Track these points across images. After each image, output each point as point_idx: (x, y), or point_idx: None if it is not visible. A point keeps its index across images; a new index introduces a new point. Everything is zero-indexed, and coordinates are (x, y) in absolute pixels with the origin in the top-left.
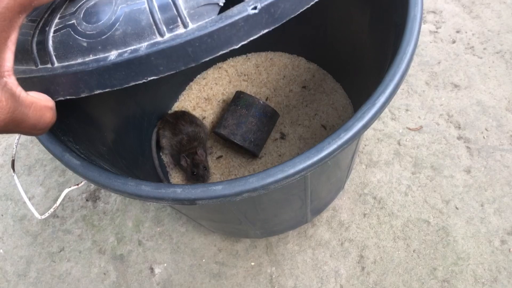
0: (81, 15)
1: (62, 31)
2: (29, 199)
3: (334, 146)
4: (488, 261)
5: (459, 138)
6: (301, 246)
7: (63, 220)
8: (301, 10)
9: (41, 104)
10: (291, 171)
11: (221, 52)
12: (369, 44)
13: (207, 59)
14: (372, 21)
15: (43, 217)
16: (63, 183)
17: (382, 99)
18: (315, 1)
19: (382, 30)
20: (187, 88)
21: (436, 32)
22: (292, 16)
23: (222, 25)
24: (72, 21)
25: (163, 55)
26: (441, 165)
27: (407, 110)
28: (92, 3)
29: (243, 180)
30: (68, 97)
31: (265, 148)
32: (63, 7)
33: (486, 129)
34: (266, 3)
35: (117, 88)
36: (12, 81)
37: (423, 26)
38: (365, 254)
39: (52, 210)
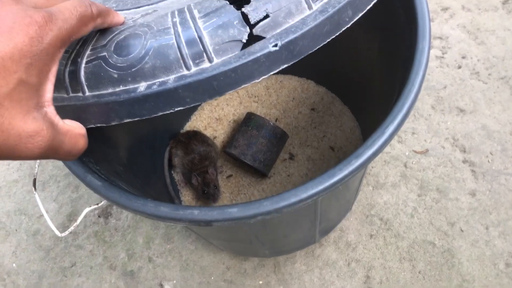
0: (112, 48)
1: (93, 63)
2: (42, 215)
3: (345, 172)
4: (493, 283)
5: (464, 161)
6: (308, 266)
7: (75, 236)
8: (318, 47)
9: (75, 132)
10: (304, 195)
11: (243, 86)
12: (378, 72)
13: (230, 91)
14: (380, 51)
15: (63, 235)
16: (76, 199)
17: (391, 128)
18: (331, 38)
19: (390, 59)
20: (199, 108)
21: (442, 57)
22: (310, 52)
23: (245, 61)
24: (104, 54)
25: (190, 88)
26: (447, 188)
27: (413, 133)
28: (122, 36)
29: (257, 204)
30: (98, 125)
31: (274, 168)
32: (94, 39)
33: (491, 153)
34: (286, 40)
35: (146, 117)
36: (51, 111)
37: None
38: (371, 274)
39: (72, 228)
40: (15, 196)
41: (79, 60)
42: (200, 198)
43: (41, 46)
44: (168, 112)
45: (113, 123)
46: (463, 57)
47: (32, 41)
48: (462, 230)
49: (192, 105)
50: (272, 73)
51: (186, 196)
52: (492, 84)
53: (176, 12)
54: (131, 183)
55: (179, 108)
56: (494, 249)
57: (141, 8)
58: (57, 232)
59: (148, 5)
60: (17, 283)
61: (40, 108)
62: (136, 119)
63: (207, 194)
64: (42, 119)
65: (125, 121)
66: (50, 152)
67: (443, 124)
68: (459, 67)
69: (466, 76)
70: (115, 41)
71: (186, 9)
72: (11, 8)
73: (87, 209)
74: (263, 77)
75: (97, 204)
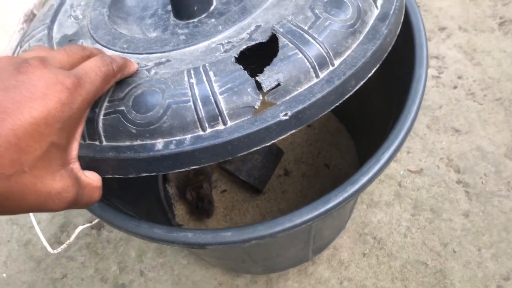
0: (130, 103)
1: (112, 116)
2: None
3: (340, 198)
4: None
5: (458, 182)
6: (301, 284)
7: (67, 247)
8: (322, 114)
9: (94, 184)
10: (298, 221)
11: (254, 149)
12: (375, 92)
13: (242, 154)
14: (378, 72)
15: (55, 251)
16: (69, 211)
17: (386, 156)
18: (334, 106)
19: (388, 81)
20: None
21: (439, 77)
22: (315, 119)
23: (257, 128)
24: (122, 108)
25: (206, 151)
26: (440, 208)
27: (408, 152)
28: (140, 91)
29: (251, 228)
30: (116, 176)
31: (269, 184)
32: (111, 90)
33: (484, 175)
34: (295, 111)
35: (161, 173)
36: (76, 167)
37: None
38: None
39: (65, 245)
40: None
41: (96, 110)
42: (193, 213)
43: (71, 111)
44: (183, 170)
45: (130, 176)
46: (459, 78)
47: (64, 107)
48: (454, 251)
49: (205, 165)
50: (280, 138)
51: (180, 210)
52: (487, 105)
53: (192, 72)
54: (126, 197)
55: (194, 167)
56: (486, 271)
57: (153, 55)
58: (49, 249)
59: (160, 52)
60: None
61: (67, 165)
62: (152, 174)
63: (201, 209)
64: (68, 176)
65: (142, 175)
66: (72, 205)
67: (438, 144)
68: (455, 87)
69: (462, 97)
70: (133, 96)
71: (201, 69)
72: (41, 72)
73: (80, 228)
74: (273, 141)
75: (90, 222)
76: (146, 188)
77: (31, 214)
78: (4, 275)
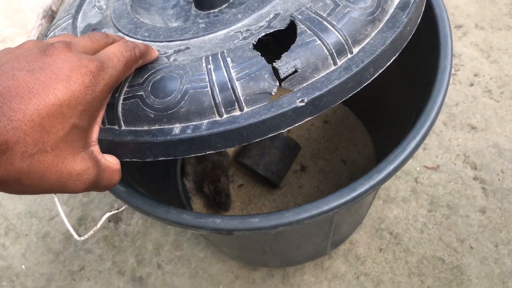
0: (149, 88)
1: (131, 100)
2: (53, 218)
3: (366, 186)
4: None
5: (475, 178)
6: (317, 278)
7: (84, 240)
8: (339, 102)
9: (113, 167)
10: (325, 208)
11: (270, 135)
12: (395, 87)
13: (258, 140)
14: (399, 66)
15: (82, 238)
16: (87, 203)
17: (412, 145)
18: (352, 93)
19: (409, 76)
20: None
21: (455, 74)
22: (332, 106)
23: (273, 114)
24: (141, 93)
25: (222, 136)
26: (457, 205)
27: (425, 149)
28: (159, 77)
29: (279, 214)
30: (134, 160)
31: (286, 179)
32: (131, 76)
33: (501, 171)
34: (312, 97)
35: (178, 157)
36: (96, 149)
37: None
38: None
39: (92, 232)
40: (26, 198)
41: (116, 95)
42: (211, 206)
43: (94, 94)
44: (199, 154)
45: (147, 160)
46: (476, 75)
47: (87, 90)
48: (471, 247)
49: (222, 150)
50: (296, 124)
51: (197, 204)
52: (504, 102)
53: (210, 58)
54: (147, 188)
55: (210, 152)
56: (504, 268)
57: (173, 43)
58: (76, 236)
59: (180, 40)
60: (26, 285)
61: (88, 147)
62: (169, 158)
63: (218, 203)
64: (88, 158)
65: (159, 159)
66: (92, 187)
67: (455, 141)
68: (472, 84)
69: (478, 94)
70: (152, 81)
71: (219, 56)
72: (66, 55)
73: (107, 214)
74: (288, 128)
75: (117, 209)
76: (165, 182)
77: (57, 203)
78: (23, 267)
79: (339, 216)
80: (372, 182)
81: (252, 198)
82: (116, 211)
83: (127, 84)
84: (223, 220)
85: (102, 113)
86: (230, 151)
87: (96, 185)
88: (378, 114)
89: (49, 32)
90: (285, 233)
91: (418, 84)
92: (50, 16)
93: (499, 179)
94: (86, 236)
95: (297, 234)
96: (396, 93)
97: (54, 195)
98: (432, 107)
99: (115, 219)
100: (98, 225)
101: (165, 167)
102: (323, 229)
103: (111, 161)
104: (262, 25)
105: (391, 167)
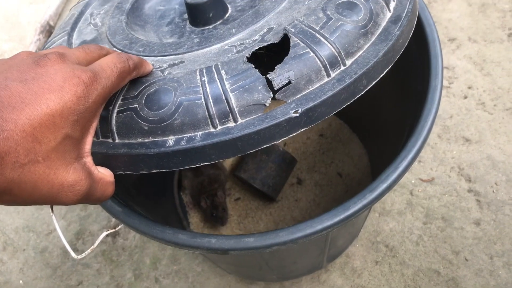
0: (143, 101)
1: (125, 113)
2: (51, 232)
3: (359, 205)
4: None
5: (469, 191)
6: None
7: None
8: (333, 113)
9: (107, 179)
10: (319, 227)
11: (264, 146)
12: (388, 102)
13: (252, 151)
14: (392, 81)
15: (79, 257)
16: (85, 217)
17: (404, 163)
18: (345, 104)
19: (402, 91)
20: None
21: (449, 87)
22: (326, 117)
23: (267, 125)
24: (135, 105)
25: (216, 147)
26: (452, 217)
27: (419, 161)
28: (153, 90)
29: (273, 234)
30: (127, 173)
31: (282, 192)
32: (125, 89)
33: (495, 184)
34: (305, 108)
35: (172, 169)
36: (89, 161)
37: None
38: None
39: (89, 251)
40: (24, 213)
41: (110, 108)
42: (208, 221)
43: (87, 105)
44: (193, 166)
45: (141, 172)
46: (469, 88)
47: (80, 100)
48: (466, 259)
49: (216, 161)
50: (290, 135)
51: (194, 218)
52: (497, 115)
53: (204, 71)
54: (143, 204)
55: (204, 163)
56: (499, 279)
57: (167, 57)
58: (73, 254)
59: (175, 54)
60: None
61: (80, 158)
62: (163, 170)
63: (215, 217)
64: (81, 169)
65: (153, 171)
66: (84, 199)
67: (449, 153)
68: (465, 97)
69: (472, 106)
70: (146, 94)
71: (213, 69)
72: (59, 66)
73: (104, 233)
74: (283, 138)
75: (114, 228)
76: (162, 196)
77: (54, 220)
78: (21, 281)
79: (334, 231)
80: (365, 201)
81: (249, 212)
82: (113, 230)
83: (121, 98)
84: (218, 239)
85: (95, 124)
86: (227, 165)
87: (88, 197)
88: (373, 127)
89: (44, 49)
90: (281, 250)
91: (411, 100)
92: (48, 31)
93: (493, 191)
94: (83, 255)
95: (293, 251)
96: (390, 108)
97: (51, 213)
98: (423, 126)
99: (112, 234)
100: (95, 244)
101: (162, 181)
102: (319, 245)
103: (105, 173)
104: (256, 39)
105: (383, 186)
